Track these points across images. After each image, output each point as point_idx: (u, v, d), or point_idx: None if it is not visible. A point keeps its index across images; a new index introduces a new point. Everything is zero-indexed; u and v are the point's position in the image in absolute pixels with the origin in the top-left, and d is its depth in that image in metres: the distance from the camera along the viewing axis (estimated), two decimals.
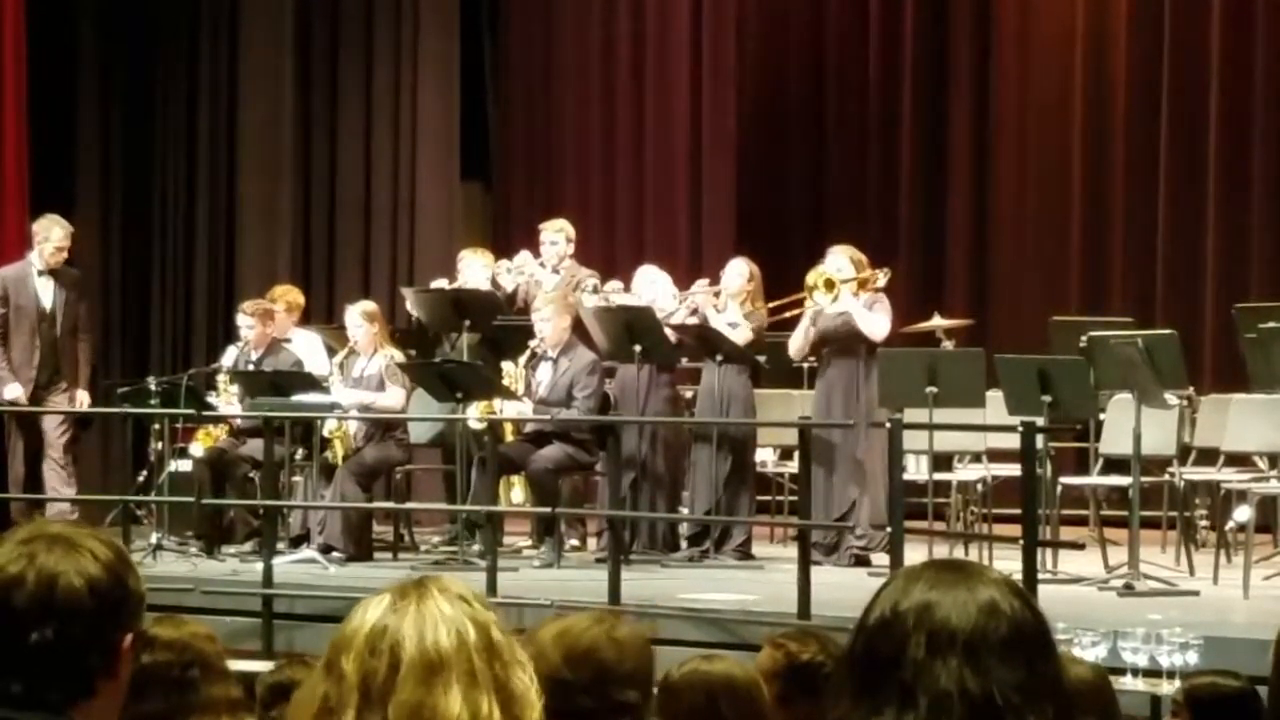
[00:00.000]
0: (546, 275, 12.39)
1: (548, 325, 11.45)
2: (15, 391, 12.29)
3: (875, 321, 11.01)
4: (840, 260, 11.16)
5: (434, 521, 13.30)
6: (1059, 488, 11.05)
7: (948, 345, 12.19)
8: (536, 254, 12.56)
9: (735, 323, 11.42)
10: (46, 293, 12.45)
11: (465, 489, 11.39)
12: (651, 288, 11.90)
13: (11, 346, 12.35)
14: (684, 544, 11.57)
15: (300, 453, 11.96)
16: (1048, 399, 9.96)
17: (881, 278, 11.22)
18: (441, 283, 12.64)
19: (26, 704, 2.43)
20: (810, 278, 11.08)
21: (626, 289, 12.15)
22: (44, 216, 12.68)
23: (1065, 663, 4.60)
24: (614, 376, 11.75)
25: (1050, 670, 2.18)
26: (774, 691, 4.64)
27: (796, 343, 11.27)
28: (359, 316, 11.88)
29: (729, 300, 11.54)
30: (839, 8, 15.76)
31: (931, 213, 15.32)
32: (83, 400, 12.53)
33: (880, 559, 10.54)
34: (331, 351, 12.42)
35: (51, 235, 12.43)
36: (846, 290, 11.04)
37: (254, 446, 11.54)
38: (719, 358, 11.37)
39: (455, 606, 2.42)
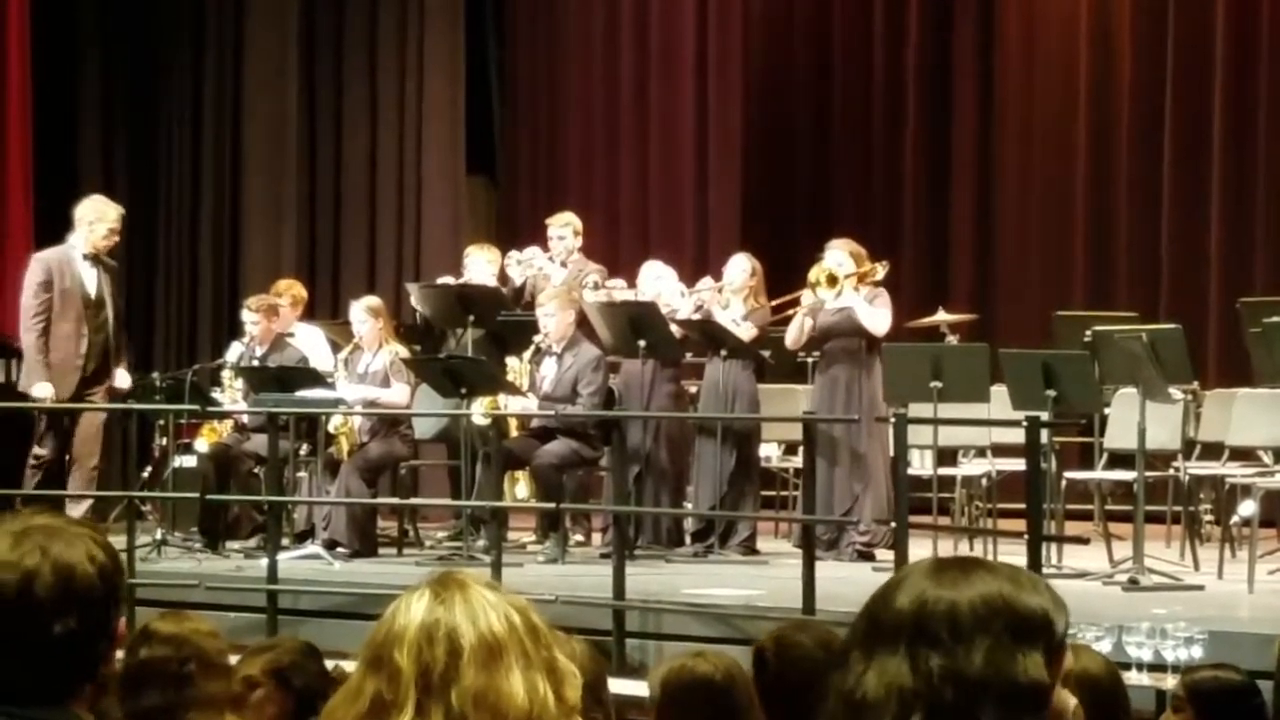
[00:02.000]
0: (555, 269, 12.38)
1: (552, 321, 11.45)
2: (45, 390, 11.48)
3: (876, 316, 11.00)
4: (839, 255, 11.15)
5: (439, 517, 13.31)
6: (1063, 482, 11.04)
7: (952, 340, 12.18)
8: (545, 248, 12.55)
9: (739, 319, 11.42)
10: (91, 278, 11.62)
11: (470, 484, 11.39)
12: (657, 283, 11.90)
13: (54, 335, 11.52)
14: (688, 539, 11.57)
15: (305, 448, 11.97)
16: (1052, 394, 9.95)
17: (880, 270, 11.21)
18: (447, 280, 12.63)
19: (32, 697, 2.43)
20: (813, 274, 11.08)
21: (631, 287, 12.14)
22: (92, 198, 11.93)
23: (1077, 654, 4.61)
24: (618, 371, 11.74)
25: (1030, 670, 2.15)
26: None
27: (792, 334, 11.26)
28: (363, 312, 11.88)
29: (732, 296, 11.54)
30: (845, 4, 15.75)
31: (936, 208, 15.32)
32: (125, 382, 11.86)
33: (885, 554, 10.53)
34: (335, 347, 12.42)
35: (106, 216, 11.61)
36: (849, 285, 11.03)
37: (258, 442, 11.52)
38: (723, 352, 11.37)
39: (496, 595, 2.45)
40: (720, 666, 4.54)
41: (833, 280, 11.00)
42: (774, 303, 11.51)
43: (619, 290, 12.14)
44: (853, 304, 11.00)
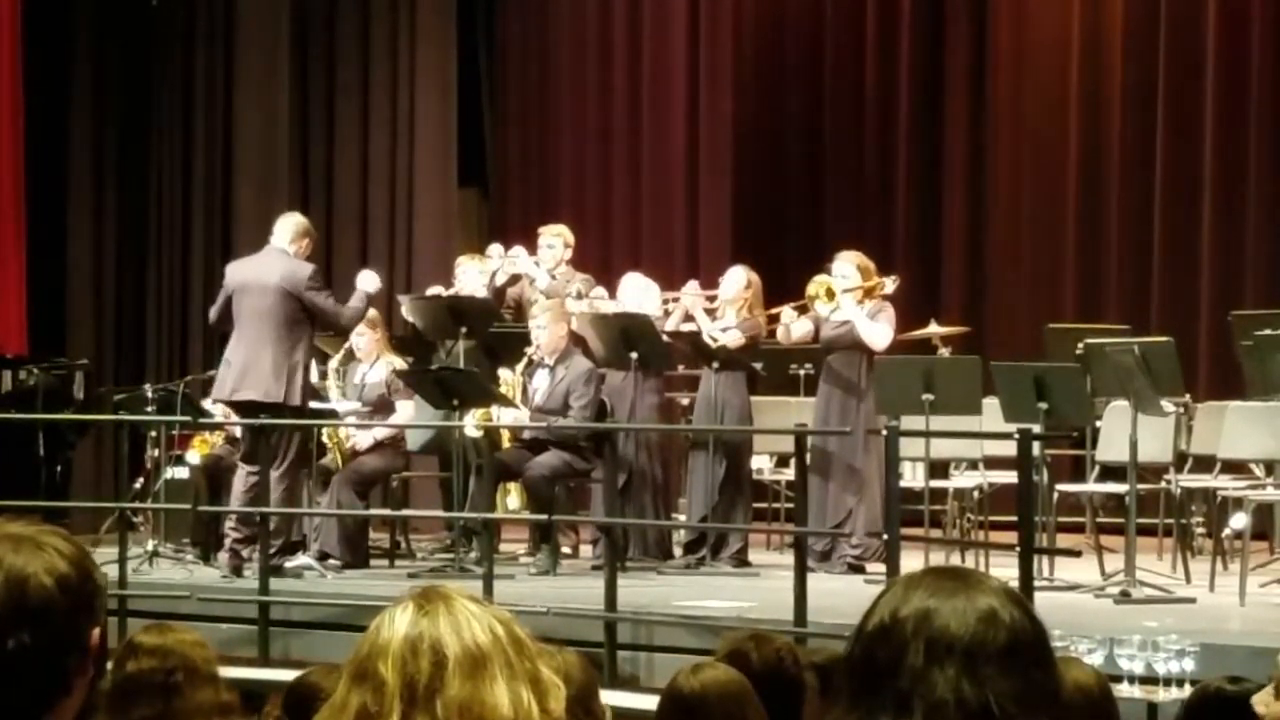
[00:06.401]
0: (540, 274, 12.36)
1: (544, 333, 11.46)
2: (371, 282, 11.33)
3: (877, 331, 10.98)
4: (846, 267, 11.14)
5: (431, 529, 13.30)
6: (1055, 495, 11.04)
7: (944, 352, 12.19)
8: (533, 255, 12.54)
9: (727, 327, 11.42)
10: None
11: (462, 496, 11.38)
12: (639, 295, 11.86)
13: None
14: (680, 551, 11.56)
15: None
16: (1044, 406, 9.96)
17: (889, 284, 11.19)
18: (437, 290, 12.62)
19: (6, 715, 2.40)
20: (812, 287, 11.07)
21: (612, 297, 12.13)
22: (298, 214, 11.58)
23: (1068, 666, 4.60)
24: (604, 382, 11.73)
25: (1047, 681, 2.18)
26: None
27: (780, 334, 11.24)
28: (362, 323, 11.87)
29: (726, 307, 11.54)
30: (836, 18, 15.76)
31: (928, 221, 15.32)
32: None
33: (876, 566, 10.53)
34: (324, 357, 12.39)
35: (315, 235, 11.41)
36: (849, 299, 11.01)
37: None
38: (715, 365, 11.36)
39: (480, 607, 2.46)
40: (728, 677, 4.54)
41: (830, 294, 11.00)
42: (770, 311, 11.50)
43: (600, 300, 12.11)
44: (854, 318, 10.98)
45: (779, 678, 4.77)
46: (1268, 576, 10.16)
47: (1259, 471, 11.04)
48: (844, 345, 11.04)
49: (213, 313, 11.28)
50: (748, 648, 4.92)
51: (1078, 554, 10.32)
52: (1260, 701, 4.42)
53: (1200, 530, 11.45)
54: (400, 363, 11.90)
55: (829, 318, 11.04)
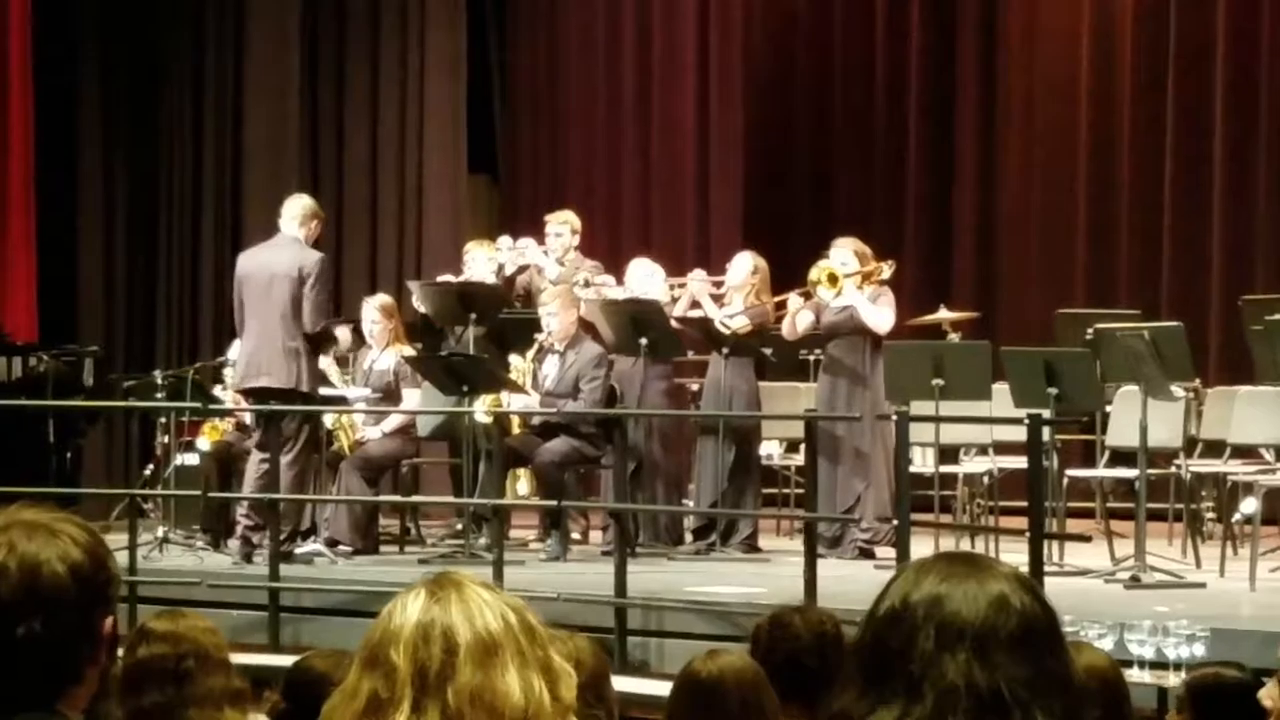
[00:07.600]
0: (550, 264, 12.36)
1: (555, 320, 11.45)
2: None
3: (879, 314, 10.99)
4: (844, 254, 11.15)
5: (440, 515, 13.31)
6: (1065, 480, 11.04)
7: (954, 338, 12.18)
8: (542, 244, 12.54)
9: (734, 313, 11.42)
10: None
11: (472, 482, 11.39)
12: (647, 280, 11.86)
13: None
14: (689, 537, 11.57)
15: None
16: (1054, 391, 9.95)
17: (886, 270, 11.20)
18: (448, 278, 12.63)
19: (17, 702, 2.40)
20: (813, 273, 11.07)
21: (619, 284, 12.12)
22: (306, 197, 11.46)
23: (1079, 651, 4.61)
24: (613, 368, 11.73)
25: (1059, 666, 2.18)
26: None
27: (786, 328, 11.26)
28: (376, 311, 11.88)
29: (733, 293, 11.54)
30: (847, 4, 15.75)
31: (938, 205, 15.32)
32: None
33: (886, 552, 10.54)
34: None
35: (321, 216, 11.42)
36: (850, 284, 11.02)
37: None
38: (725, 350, 11.36)
39: (492, 594, 2.46)
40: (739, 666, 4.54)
41: (833, 279, 11.00)
42: (778, 299, 11.50)
43: (608, 288, 12.11)
44: (855, 303, 10.99)
45: (823, 638, 4.80)
46: (1278, 561, 10.16)
47: (1269, 456, 11.03)
48: (846, 331, 11.04)
49: (237, 318, 11.25)
50: (791, 615, 4.95)
51: (1088, 539, 10.32)
52: (1267, 695, 4.43)
53: (1210, 515, 11.44)
54: (410, 351, 11.90)
55: (830, 304, 11.04)
